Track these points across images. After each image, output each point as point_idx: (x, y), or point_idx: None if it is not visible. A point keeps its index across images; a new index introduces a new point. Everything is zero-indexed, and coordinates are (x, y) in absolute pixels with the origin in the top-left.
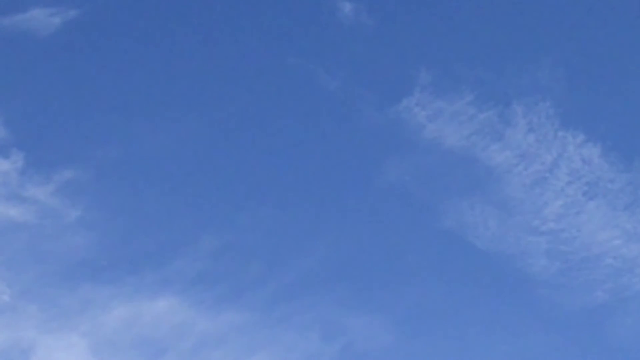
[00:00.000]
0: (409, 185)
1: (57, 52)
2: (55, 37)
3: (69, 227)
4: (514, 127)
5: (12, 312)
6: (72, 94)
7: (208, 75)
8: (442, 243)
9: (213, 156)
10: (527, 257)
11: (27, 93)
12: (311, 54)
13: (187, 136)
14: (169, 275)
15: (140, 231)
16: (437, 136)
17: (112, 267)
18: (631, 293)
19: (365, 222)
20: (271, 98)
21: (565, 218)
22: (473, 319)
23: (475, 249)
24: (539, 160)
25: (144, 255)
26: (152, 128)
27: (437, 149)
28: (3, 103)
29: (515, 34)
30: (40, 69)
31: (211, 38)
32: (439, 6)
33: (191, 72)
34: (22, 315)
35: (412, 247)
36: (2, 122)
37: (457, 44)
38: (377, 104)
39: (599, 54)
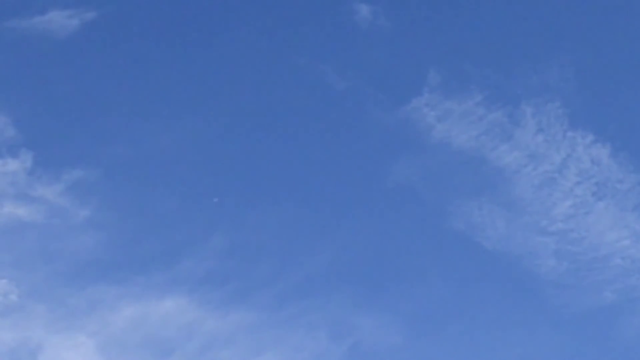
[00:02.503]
0: (417, 186)
1: (71, 54)
2: (73, 39)
3: (78, 227)
4: (523, 128)
5: (20, 312)
6: (81, 94)
7: (218, 75)
8: (450, 243)
9: (222, 156)
10: (536, 258)
11: (36, 93)
12: (320, 54)
13: (196, 136)
14: (178, 275)
15: (149, 231)
16: (446, 136)
17: (120, 267)
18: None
19: (374, 222)
20: (280, 98)
21: (574, 218)
22: (481, 319)
23: (484, 250)
24: (548, 161)
25: (153, 255)
26: (161, 128)
27: (446, 150)
28: (12, 103)
29: (525, 35)
30: (52, 69)
31: (223, 39)
32: (448, 7)
33: (201, 72)
34: (30, 315)
35: (420, 247)
36: (11, 122)
37: (466, 45)
38: (386, 104)
39: (608, 54)
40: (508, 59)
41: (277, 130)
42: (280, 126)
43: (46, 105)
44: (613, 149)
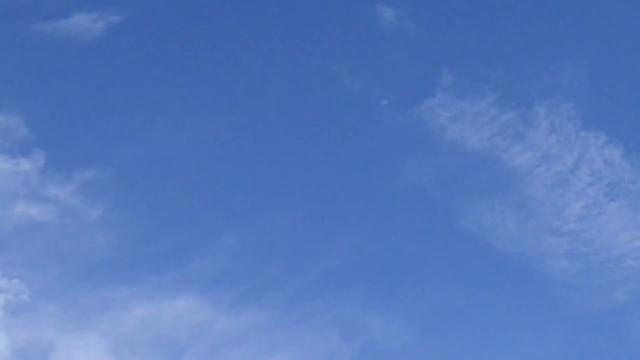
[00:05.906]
0: (429, 186)
1: (89, 55)
2: (97, 42)
3: (90, 226)
4: (536, 128)
5: (32, 312)
6: (93, 95)
7: (231, 75)
8: (461, 244)
9: (233, 156)
10: (547, 259)
11: (48, 93)
12: (335, 55)
13: (208, 136)
14: (189, 275)
15: (161, 231)
16: (458, 137)
17: (132, 266)
18: None
19: (386, 223)
20: (293, 99)
21: (586, 219)
22: (492, 319)
23: (495, 250)
24: (561, 161)
25: (164, 255)
26: (173, 128)
27: (458, 150)
28: (25, 103)
29: (537, 35)
30: (66, 71)
31: (240, 41)
32: (460, 7)
33: (215, 72)
34: (41, 315)
35: (431, 248)
36: (23, 122)
37: (479, 45)
38: (399, 105)
39: (620, 54)
40: (521, 59)
41: (290, 130)
42: (293, 126)
43: (58, 105)
44: (626, 150)
